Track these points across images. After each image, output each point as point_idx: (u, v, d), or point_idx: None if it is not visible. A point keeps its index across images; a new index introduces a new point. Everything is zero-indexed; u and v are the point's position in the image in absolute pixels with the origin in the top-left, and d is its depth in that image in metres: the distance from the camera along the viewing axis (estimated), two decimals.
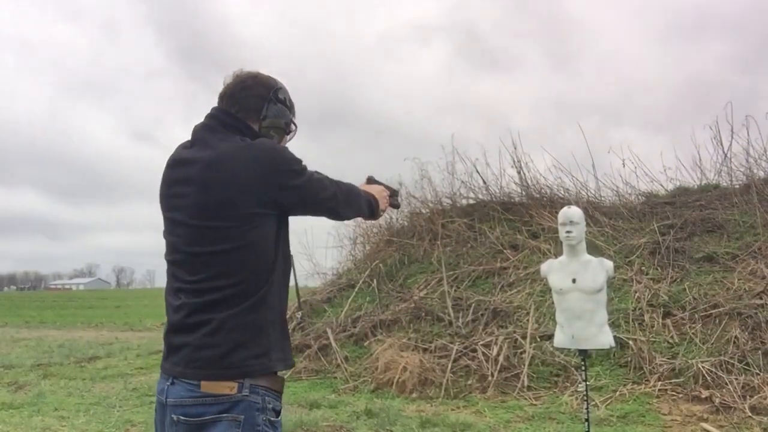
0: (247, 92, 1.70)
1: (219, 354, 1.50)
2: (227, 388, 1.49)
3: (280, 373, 1.61)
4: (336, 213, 1.76)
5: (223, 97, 1.72)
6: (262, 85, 1.72)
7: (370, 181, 1.98)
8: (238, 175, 1.53)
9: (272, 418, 1.55)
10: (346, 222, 9.82)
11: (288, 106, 1.77)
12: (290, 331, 7.75)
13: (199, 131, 1.67)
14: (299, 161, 1.63)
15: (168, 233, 1.65)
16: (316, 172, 1.69)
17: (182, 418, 1.49)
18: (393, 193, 2.01)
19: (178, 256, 1.60)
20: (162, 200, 1.68)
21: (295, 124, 1.81)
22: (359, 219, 1.82)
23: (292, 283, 8.78)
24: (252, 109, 1.69)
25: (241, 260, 1.53)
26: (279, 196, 1.57)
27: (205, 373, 1.50)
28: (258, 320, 1.55)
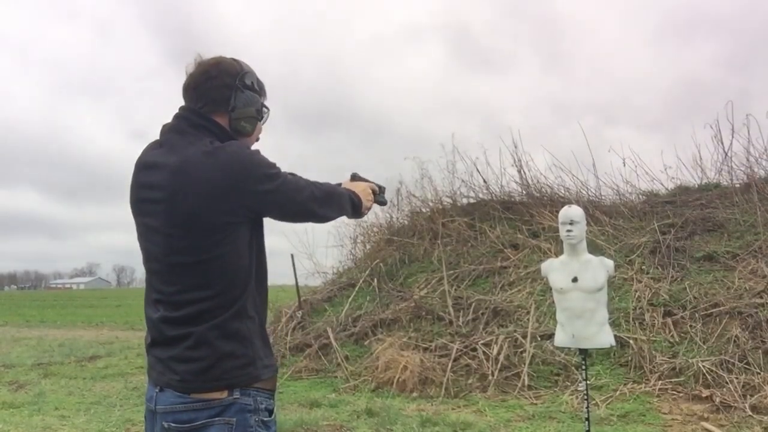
0: (212, 83, 1.59)
1: (204, 366, 1.47)
2: (217, 392, 1.47)
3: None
4: (315, 215, 1.66)
5: (187, 89, 1.63)
6: (227, 74, 1.61)
7: (355, 178, 1.90)
8: (206, 184, 1.46)
9: (265, 418, 1.53)
10: (346, 221, 9.85)
11: (257, 90, 1.66)
12: (290, 330, 7.79)
13: (166, 133, 1.61)
14: (272, 165, 1.55)
15: (143, 239, 1.60)
16: (291, 173, 1.60)
17: (173, 425, 1.47)
18: (379, 190, 1.92)
19: (155, 265, 1.56)
20: (132, 204, 1.62)
21: (266, 107, 1.71)
22: (352, 219, 1.72)
23: (292, 282, 8.80)
24: (219, 101, 1.59)
25: (216, 271, 1.49)
26: (252, 203, 1.51)
27: (193, 387, 1.48)
28: (241, 330, 1.51)
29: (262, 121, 1.71)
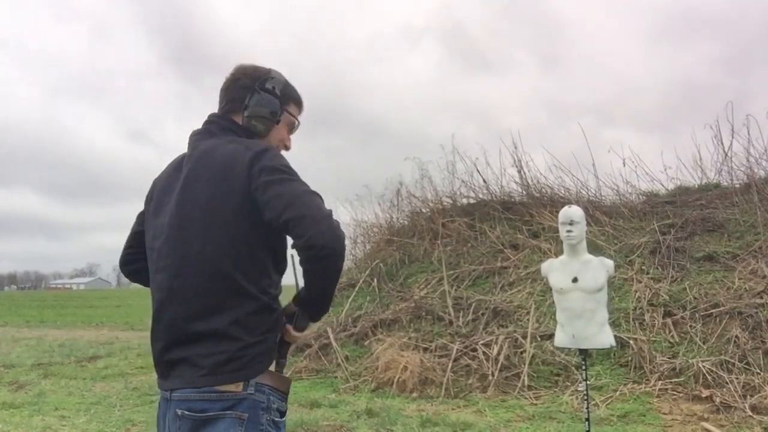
0: (235, 84, 1.71)
1: (224, 359, 1.48)
2: (233, 385, 1.48)
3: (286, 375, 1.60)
4: (323, 245, 1.44)
5: (220, 91, 1.75)
6: (249, 77, 1.70)
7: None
8: (220, 173, 1.53)
9: (276, 419, 1.55)
10: (346, 221, 9.84)
11: (277, 95, 1.70)
12: None
13: (196, 135, 1.69)
14: (287, 165, 1.55)
15: (154, 238, 1.62)
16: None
17: (186, 412, 1.48)
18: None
19: (166, 261, 1.57)
20: (150, 201, 1.69)
21: (296, 118, 1.77)
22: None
23: (292, 282, 8.80)
24: (237, 100, 1.69)
25: (236, 262, 1.50)
26: (255, 195, 1.50)
27: (217, 379, 1.47)
28: (261, 322, 1.53)
29: (288, 130, 1.77)
